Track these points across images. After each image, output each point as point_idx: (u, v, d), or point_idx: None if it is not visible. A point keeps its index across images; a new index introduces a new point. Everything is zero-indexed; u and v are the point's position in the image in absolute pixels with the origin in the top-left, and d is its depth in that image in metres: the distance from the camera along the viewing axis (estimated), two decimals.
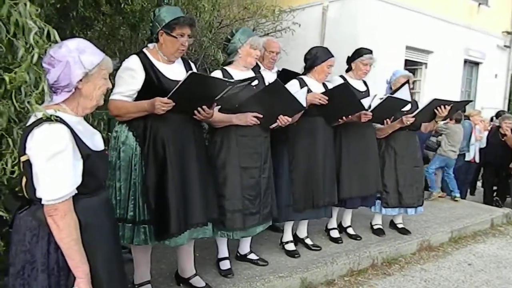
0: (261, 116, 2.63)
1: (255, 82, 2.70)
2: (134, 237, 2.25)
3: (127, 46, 4.63)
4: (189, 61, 2.53)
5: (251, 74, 2.71)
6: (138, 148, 2.24)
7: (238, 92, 2.45)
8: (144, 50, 2.35)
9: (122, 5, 3.70)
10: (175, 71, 2.32)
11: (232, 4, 6.65)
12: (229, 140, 2.64)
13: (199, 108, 2.28)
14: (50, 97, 1.47)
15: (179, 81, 2.11)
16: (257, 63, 3.64)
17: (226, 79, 2.39)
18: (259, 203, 2.72)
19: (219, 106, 2.54)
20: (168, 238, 2.27)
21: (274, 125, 2.78)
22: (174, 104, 2.12)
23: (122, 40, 4.70)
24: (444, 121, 4.96)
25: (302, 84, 3.08)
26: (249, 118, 2.61)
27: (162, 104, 2.10)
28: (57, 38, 1.51)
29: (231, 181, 2.62)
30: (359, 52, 3.50)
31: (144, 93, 2.23)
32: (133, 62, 2.25)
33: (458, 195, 5.60)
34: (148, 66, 2.25)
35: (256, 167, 2.71)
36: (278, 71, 3.68)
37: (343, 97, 3.00)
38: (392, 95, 3.36)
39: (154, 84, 2.24)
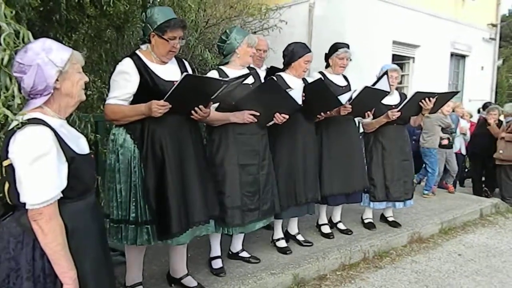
0: (258, 114, 2.66)
1: (251, 80, 2.72)
2: (137, 238, 2.26)
3: (113, 48, 4.60)
4: (183, 60, 2.53)
5: (246, 72, 2.71)
6: (137, 150, 2.25)
7: (233, 90, 2.46)
8: (137, 51, 2.34)
9: (105, 7, 3.67)
10: (170, 72, 2.32)
11: (218, 3, 6.63)
12: (227, 138, 2.67)
13: (195, 108, 2.29)
14: (26, 102, 1.44)
15: (174, 81, 2.12)
16: None
17: (221, 78, 2.40)
18: (258, 199, 2.75)
19: (217, 104, 2.55)
20: (170, 238, 2.29)
21: (271, 123, 2.81)
22: (170, 106, 2.13)
23: (109, 42, 4.67)
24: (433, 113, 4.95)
25: (280, 81, 3.08)
26: (246, 116, 2.63)
27: (159, 107, 2.11)
28: (32, 40, 1.48)
29: (230, 178, 2.65)
30: (335, 47, 3.50)
31: (139, 95, 2.23)
32: (126, 65, 2.24)
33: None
34: (142, 68, 2.25)
35: (254, 164, 2.74)
36: (267, 68, 3.70)
37: (320, 93, 3.00)
38: (369, 86, 3.35)
39: (149, 86, 2.24)
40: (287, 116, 2.78)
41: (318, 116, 3.19)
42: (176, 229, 2.25)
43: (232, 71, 2.69)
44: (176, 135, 2.30)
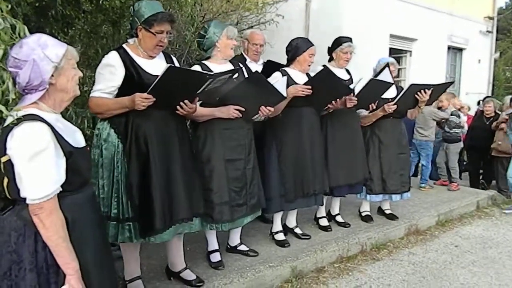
0: (243, 109, 2.65)
1: (236, 75, 2.70)
2: (118, 235, 2.25)
3: (110, 43, 4.58)
4: (171, 55, 2.52)
5: (230, 66, 2.71)
6: (120, 145, 2.24)
7: (220, 86, 2.45)
8: (124, 45, 2.33)
9: (101, 2, 3.66)
10: (156, 66, 2.30)
11: None
12: (212, 134, 2.65)
13: (181, 103, 2.27)
14: (21, 97, 1.45)
15: None
16: (242, 55, 3.68)
17: (206, 72, 2.38)
18: (246, 194, 2.75)
19: (201, 101, 2.54)
20: (154, 234, 2.27)
21: (256, 116, 2.80)
22: (154, 99, 2.11)
23: (105, 38, 4.64)
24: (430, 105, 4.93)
25: (285, 75, 3.08)
26: (231, 111, 2.62)
27: (142, 99, 2.09)
28: (27, 34, 1.48)
29: (217, 174, 2.64)
30: (338, 41, 3.53)
31: (125, 89, 2.21)
32: (112, 58, 2.24)
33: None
34: (128, 62, 2.24)
35: (241, 158, 2.73)
36: (264, 63, 3.70)
37: (327, 82, 3.01)
38: (375, 78, 3.39)
39: (134, 79, 2.23)
40: (272, 109, 2.79)
41: (329, 106, 3.18)
42: (159, 225, 2.24)
43: (215, 65, 2.67)
44: (162, 130, 2.28)
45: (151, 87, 2.09)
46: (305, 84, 3.03)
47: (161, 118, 2.28)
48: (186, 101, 2.27)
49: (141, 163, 2.23)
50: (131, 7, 2.35)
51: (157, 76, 2.12)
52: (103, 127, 2.28)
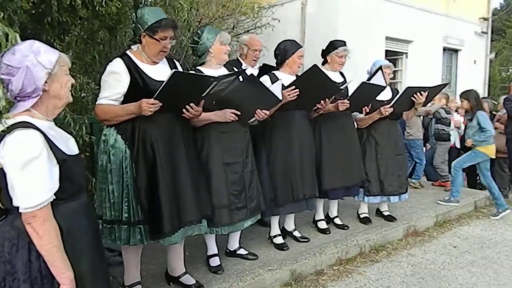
0: (239, 113, 2.66)
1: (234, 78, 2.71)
2: (130, 238, 2.27)
3: (106, 49, 4.60)
4: (174, 60, 2.54)
5: (224, 71, 2.72)
6: (128, 150, 2.26)
7: (224, 89, 2.47)
8: (128, 52, 2.35)
9: (97, 8, 3.67)
10: (160, 72, 2.32)
11: (211, 3, 6.63)
12: (210, 138, 2.66)
13: (187, 106, 2.30)
14: (13, 105, 1.44)
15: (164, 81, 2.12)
16: (238, 60, 3.69)
17: (210, 75, 2.41)
18: (245, 197, 2.76)
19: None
20: (163, 237, 2.30)
21: (252, 120, 2.81)
22: (161, 104, 2.14)
23: (102, 44, 4.66)
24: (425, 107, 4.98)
25: (273, 79, 3.07)
26: (227, 115, 2.64)
27: (149, 105, 2.12)
28: (19, 42, 1.46)
29: (216, 177, 2.65)
30: (334, 45, 3.54)
31: (130, 95, 2.24)
32: (117, 65, 2.26)
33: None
34: (132, 68, 2.26)
35: (238, 162, 2.75)
36: (260, 67, 3.71)
37: (314, 80, 2.96)
38: (366, 81, 3.40)
39: (139, 86, 2.25)
40: (268, 112, 2.79)
41: (318, 106, 3.15)
42: (168, 229, 2.26)
43: (210, 70, 2.67)
44: (167, 134, 2.31)
45: (157, 93, 2.11)
46: (290, 84, 2.95)
47: (167, 122, 2.30)
48: (191, 104, 2.30)
49: (148, 168, 2.25)
50: (134, 14, 2.38)
51: (162, 81, 2.14)
52: (109, 133, 2.30)
